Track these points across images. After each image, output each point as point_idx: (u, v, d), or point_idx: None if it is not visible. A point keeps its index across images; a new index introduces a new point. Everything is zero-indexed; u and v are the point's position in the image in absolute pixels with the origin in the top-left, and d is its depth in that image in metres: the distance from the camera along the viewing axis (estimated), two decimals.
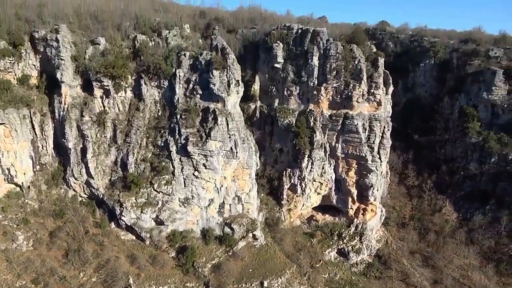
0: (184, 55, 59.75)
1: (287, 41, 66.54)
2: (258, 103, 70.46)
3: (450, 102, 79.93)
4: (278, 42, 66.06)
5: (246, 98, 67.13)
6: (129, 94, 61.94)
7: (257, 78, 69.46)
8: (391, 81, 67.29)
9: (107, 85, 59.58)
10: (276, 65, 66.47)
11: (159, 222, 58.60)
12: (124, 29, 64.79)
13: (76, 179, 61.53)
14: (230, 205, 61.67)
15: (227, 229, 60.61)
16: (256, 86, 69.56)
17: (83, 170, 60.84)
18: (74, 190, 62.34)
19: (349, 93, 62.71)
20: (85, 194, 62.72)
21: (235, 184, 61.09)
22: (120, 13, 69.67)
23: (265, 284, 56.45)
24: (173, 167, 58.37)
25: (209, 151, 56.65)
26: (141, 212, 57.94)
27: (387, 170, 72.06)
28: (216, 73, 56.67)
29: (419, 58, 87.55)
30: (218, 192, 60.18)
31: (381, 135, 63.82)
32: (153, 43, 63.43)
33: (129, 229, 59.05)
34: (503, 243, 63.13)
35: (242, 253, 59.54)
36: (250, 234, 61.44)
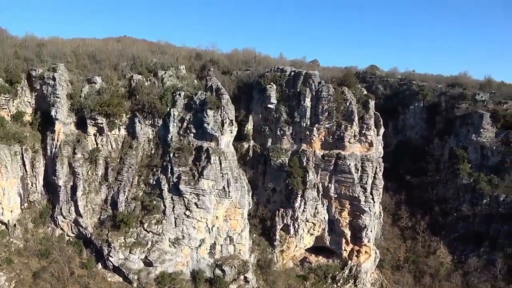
0: (179, 94, 60.86)
1: (280, 83, 68.31)
2: (252, 143, 70.98)
3: (440, 144, 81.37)
4: (272, 83, 67.75)
5: (240, 137, 67.74)
6: (123, 132, 62.26)
7: (250, 118, 70.48)
8: (381, 122, 68.60)
9: (101, 123, 59.96)
10: (270, 105, 67.76)
11: (147, 263, 56.83)
12: (121, 69, 66.27)
13: (64, 217, 60.20)
14: (221, 245, 60.31)
15: (218, 271, 58.84)
16: (249, 126, 70.41)
17: (72, 208, 59.68)
18: (61, 229, 60.78)
19: (341, 134, 63.65)
20: (72, 233, 61.12)
21: (227, 224, 60.14)
22: (117, 54, 71.56)
23: None
24: (164, 206, 57.56)
25: (202, 190, 56.23)
26: (130, 252, 56.33)
27: (380, 211, 71.70)
28: (210, 112, 57.51)
29: (409, 101, 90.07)
30: (210, 232, 59.06)
31: (373, 175, 64.11)
32: (149, 82, 64.70)
33: (117, 270, 57.07)
34: (499, 287, 61.91)
35: None
36: (242, 277, 59.65)
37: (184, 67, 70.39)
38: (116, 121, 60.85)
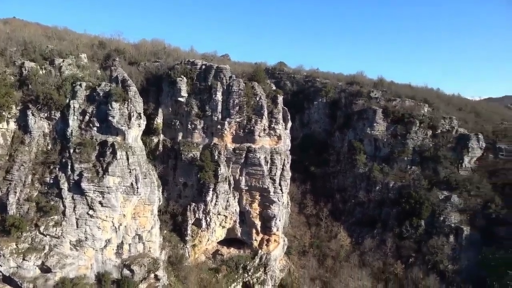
0: (80, 85, 56.18)
1: (191, 76, 67.36)
2: (161, 137, 68.96)
3: (340, 137, 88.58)
4: (182, 76, 66.45)
5: (149, 131, 65.28)
6: (12, 125, 55.39)
7: (160, 111, 68.31)
8: (289, 117, 72.01)
9: None
10: (180, 99, 66.45)
11: (45, 269, 51.75)
12: (9, 55, 58.65)
13: None
14: (129, 244, 57.64)
15: (126, 271, 56.17)
16: (159, 120, 68.21)
17: None
18: None
19: (252, 128, 65.28)
20: None
21: (136, 222, 57.68)
22: (5, 37, 63.08)
23: None
24: (64, 206, 52.86)
25: (107, 187, 52.90)
26: (23, 259, 50.58)
27: (288, 200, 75.56)
28: (115, 105, 54.25)
29: (313, 97, 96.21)
30: (116, 231, 55.99)
31: (281, 167, 67.09)
32: (44, 71, 58.43)
33: (7, 280, 50.83)
34: (389, 263, 69.91)
35: None
36: (152, 275, 57.86)
37: (85, 56, 65.08)
38: (3, 113, 53.80)
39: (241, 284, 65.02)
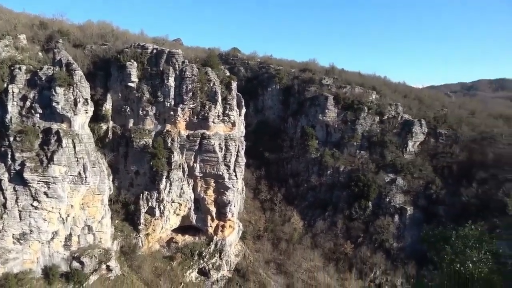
0: (19, 68, 52.26)
1: (142, 60, 64.96)
2: (111, 124, 66.26)
3: (293, 123, 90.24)
4: (132, 60, 63.90)
5: (97, 118, 62.41)
6: None
7: (109, 97, 65.43)
8: (243, 103, 72.03)
9: None
10: (130, 84, 64.02)
11: None
12: None
13: None
14: (78, 236, 55.43)
15: (75, 264, 54.12)
16: (108, 106, 65.38)
17: None
18: None
19: (206, 114, 64.58)
20: None
21: (85, 213, 55.49)
22: None
23: None
24: (5, 198, 49.52)
25: (52, 177, 50.20)
26: None
27: (243, 186, 76.18)
28: (60, 90, 51.22)
29: (267, 83, 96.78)
30: (64, 223, 53.54)
31: (236, 154, 67.28)
32: None
33: None
34: (340, 244, 73.22)
35: None
36: (104, 266, 56.29)
37: (25, 37, 60.43)
38: None
39: (196, 270, 65.10)
